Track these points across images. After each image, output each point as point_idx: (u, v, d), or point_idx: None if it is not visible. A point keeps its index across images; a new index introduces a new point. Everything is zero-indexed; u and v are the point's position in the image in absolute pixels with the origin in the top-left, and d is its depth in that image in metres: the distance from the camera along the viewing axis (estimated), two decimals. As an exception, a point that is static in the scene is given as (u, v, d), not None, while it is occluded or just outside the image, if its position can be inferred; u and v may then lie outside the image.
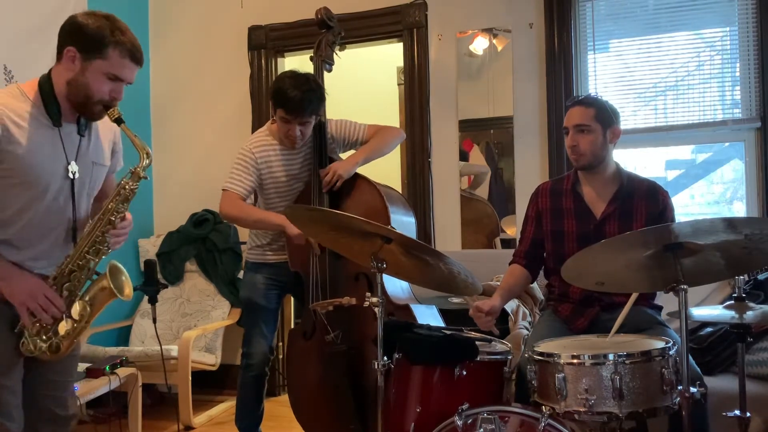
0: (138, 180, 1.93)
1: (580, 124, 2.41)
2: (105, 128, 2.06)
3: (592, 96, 2.51)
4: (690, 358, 1.99)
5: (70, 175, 1.91)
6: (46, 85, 1.87)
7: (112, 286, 1.93)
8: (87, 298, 1.94)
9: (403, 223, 2.86)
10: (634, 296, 2.10)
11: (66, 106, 1.88)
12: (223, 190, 2.87)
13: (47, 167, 1.86)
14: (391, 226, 2.36)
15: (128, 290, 1.98)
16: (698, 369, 2.18)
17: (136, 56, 1.86)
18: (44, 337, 1.89)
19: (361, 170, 2.94)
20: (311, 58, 3.11)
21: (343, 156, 3.03)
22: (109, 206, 1.91)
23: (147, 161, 1.92)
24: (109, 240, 1.92)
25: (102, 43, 1.81)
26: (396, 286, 2.80)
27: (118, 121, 1.89)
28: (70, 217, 1.94)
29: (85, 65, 1.83)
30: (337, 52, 3.15)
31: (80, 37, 1.82)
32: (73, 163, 1.91)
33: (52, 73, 1.89)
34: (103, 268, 1.98)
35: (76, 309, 1.91)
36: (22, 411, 1.92)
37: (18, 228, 1.86)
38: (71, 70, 1.84)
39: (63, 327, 1.89)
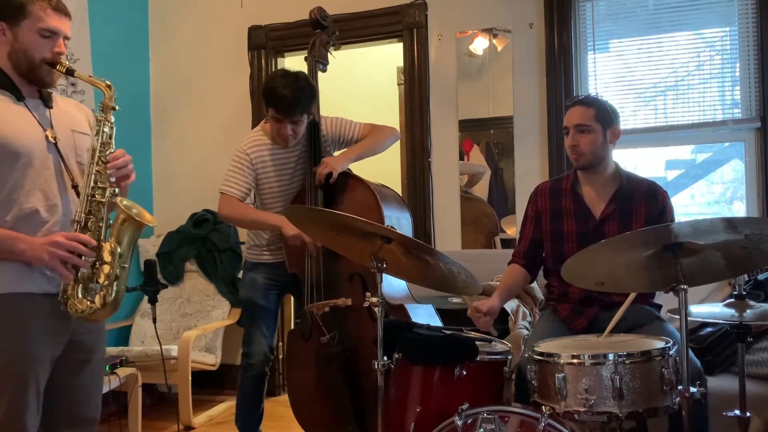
0: (110, 111, 1.96)
1: (580, 124, 2.41)
2: (74, 107, 2.11)
3: (592, 96, 2.51)
4: (691, 353, 1.99)
5: (51, 140, 1.92)
6: None
7: (130, 213, 1.92)
8: (112, 239, 1.92)
9: (398, 221, 2.85)
10: (632, 296, 2.09)
11: (18, 80, 1.91)
12: (220, 193, 2.88)
13: (25, 137, 1.87)
14: (390, 226, 2.35)
15: (148, 216, 1.97)
16: (699, 363, 2.18)
17: (58, 6, 1.92)
18: (89, 294, 1.88)
19: (361, 169, 2.94)
20: (305, 59, 3.10)
21: (337, 155, 3.02)
22: (95, 145, 1.93)
23: (111, 92, 1.97)
24: (110, 177, 1.92)
25: (20, 3, 1.87)
26: (392, 287, 2.78)
27: (69, 71, 1.92)
28: (67, 176, 1.95)
29: (16, 31, 1.88)
30: (332, 52, 3.14)
31: (0, 8, 1.88)
32: (50, 129, 1.93)
33: None
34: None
35: (106, 251, 1.90)
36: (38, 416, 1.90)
37: (24, 201, 1.86)
38: (5, 43, 1.89)
39: (102, 274, 1.89)
